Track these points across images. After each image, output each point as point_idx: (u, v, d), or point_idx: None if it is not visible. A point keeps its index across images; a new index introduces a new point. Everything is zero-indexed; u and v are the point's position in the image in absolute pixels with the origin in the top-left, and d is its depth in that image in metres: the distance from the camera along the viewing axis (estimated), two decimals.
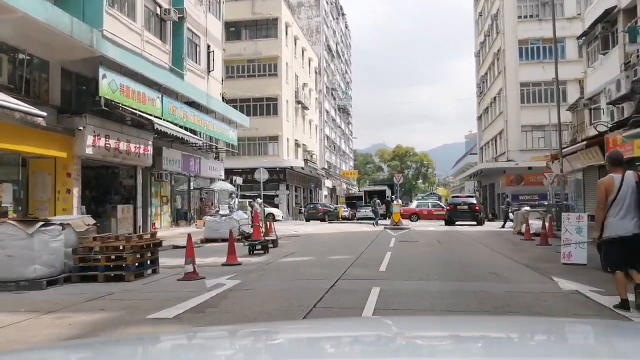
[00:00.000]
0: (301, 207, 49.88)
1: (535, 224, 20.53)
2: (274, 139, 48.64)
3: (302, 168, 48.01)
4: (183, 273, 10.16)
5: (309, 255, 14.35)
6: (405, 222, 33.35)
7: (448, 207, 33.36)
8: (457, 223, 33.03)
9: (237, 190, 32.36)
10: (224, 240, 15.83)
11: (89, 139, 18.61)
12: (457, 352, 1.91)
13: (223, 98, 33.01)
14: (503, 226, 29.47)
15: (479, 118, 59.63)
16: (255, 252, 14.96)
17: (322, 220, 43.31)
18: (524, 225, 22.28)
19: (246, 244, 15.18)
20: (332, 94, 75.16)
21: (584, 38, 27.69)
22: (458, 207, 32.73)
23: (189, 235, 10.37)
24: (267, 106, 48.95)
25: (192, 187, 29.45)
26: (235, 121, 31.72)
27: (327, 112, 71.93)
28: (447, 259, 12.77)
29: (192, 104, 26.41)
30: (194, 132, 26.27)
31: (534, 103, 45.85)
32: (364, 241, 18.81)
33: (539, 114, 45.16)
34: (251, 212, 31.27)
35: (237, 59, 49.62)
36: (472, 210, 32.36)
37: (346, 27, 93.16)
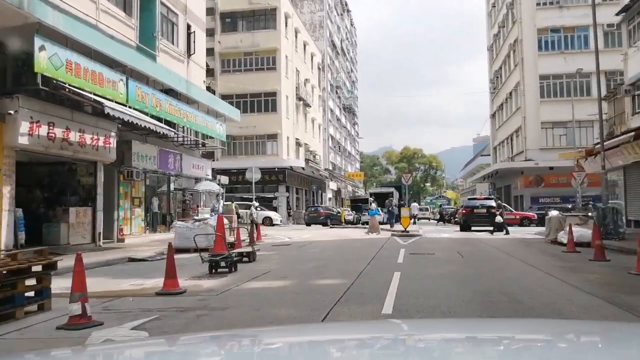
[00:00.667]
0: (293, 210, 45.93)
1: (580, 232, 16.53)
2: (273, 137, 44.81)
3: (303, 168, 44.15)
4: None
5: (288, 277, 10.45)
6: (415, 228, 29.37)
7: (463, 211, 29.36)
8: (473, 229, 29.07)
9: (223, 190, 28.44)
10: (197, 250, 12.17)
11: (24, 126, 14.83)
12: (470, 356, 1.85)
13: (209, 88, 29.20)
14: (507, 232, 25.50)
15: (492, 116, 55.53)
16: (218, 270, 11.11)
17: (324, 224, 39.50)
18: (560, 232, 18.28)
19: (205, 259, 11.28)
20: (336, 92, 71.29)
21: (623, 14, 23.70)
22: (475, 210, 28.72)
23: (79, 256, 6.46)
24: (265, 102, 45.16)
25: (172, 188, 25.64)
26: (224, 114, 27.90)
27: (332, 111, 68.06)
28: (482, 287, 8.77)
29: (169, 92, 22.64)
30: (171, 124, 22.48)
31: (555, 97, 41.79)
32: (365, 253, 14.88)
33: (560, 109, 41.14)
34: (249, 217, 27.59)
35: (234, 52, 45.92)
36: (491, 214, 28.36)
37: (351, 25, 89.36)
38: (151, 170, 22.83)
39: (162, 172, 23.96)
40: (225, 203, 24.85)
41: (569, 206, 38.79)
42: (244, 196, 40.76)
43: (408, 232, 23.51)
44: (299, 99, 49.81)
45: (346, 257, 14.48)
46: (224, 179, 24.80)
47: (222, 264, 11.14)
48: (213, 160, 45.20)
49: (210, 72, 45.30)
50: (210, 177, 28.93)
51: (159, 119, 20.93)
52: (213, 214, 24.19)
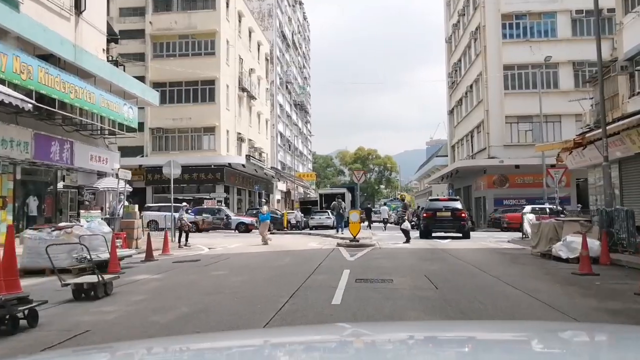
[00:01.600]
0: (234, 212, 40.45)
1: (592, 245, 11.84)
2: (210, 130, 39.24)
3: (244, 166, 38.73)
4: None
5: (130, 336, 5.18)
6: (367, 235, 24.40)
7: (424, 214, 24.55)
8: (434, 235, 24.36)
9: (130, 188, 22.91)
10: (54, 271, 7.05)
11: None
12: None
13: (113, 60, 23.60)
14: (407, 240, 20.60)
15: (450, 112, 51.37)
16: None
17: (281, 227, 34.38)
18: (557, 244, 13.59)
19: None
20: (287, 88, 66.09)
21: None
22: (438, 213, 23.93)
23: None
24: (202, 91, 39.57)
25: (61, 185, 19.93)
26: (136, 95, 22.31)
27: (281, 106, 62.79)
28: None
29: (50, 59, 17.01)
30: (52, 102, 16.86)
31: (520, 90, 37.71)
32: (289, 280, 9.73)
33: (526, 102, 37.08)
34: (178, 222, 22.17)
35: (167, 34, 40.17)
36: (456, 218, 23.68)
37: (304, 19, 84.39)
38: (23, 161, 17.12)
39: (45, 163, 18.25)
40: (125, 205, 19.29)
41: (537, 208, 34.69)
42: (179, 197, 35.24)
43: (358, 240, 18.46)
44: (243, 89, 44.39)
45: (259, 285, 9.27)
46: (124, 174, 19.22)
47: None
48: (142, 156, 39.42)
49: (140, 57, 39.52)
50: (117, 171, 23.21)
51: (31, 93, 15.35)
52: (111, 218, 18.67)
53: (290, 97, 69.17)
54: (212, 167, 37.87)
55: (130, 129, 22.72)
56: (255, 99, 48.00)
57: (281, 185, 60.09)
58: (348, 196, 49.67)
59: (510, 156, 36.57)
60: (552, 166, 27.90)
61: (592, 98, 24.50)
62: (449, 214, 23.89)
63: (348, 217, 39.43)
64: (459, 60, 46.87)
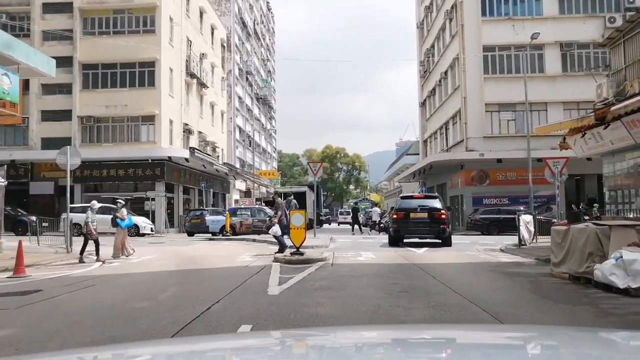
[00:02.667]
0: (179, 214, 34.64)
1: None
2: (150, 119, 33.42)
3: (187, 160, 32.97)
4: None
5: None
6: (322, 243, 19.03)
7: (394, 216, 19.21)
8: (407, 241, 19.19)
9: (3, 182, 17.16)
10: None
11: None
12: None
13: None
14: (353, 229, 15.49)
15: (422, 104, 46.41)
16: None
17: (214, 233, 28.89)
18: (606, 263, 8.39)
19: None
20: (247, 79, 60.40)
21: None
22: (411, 214, 18.65)
23: None
24: (140, 74, 33.73)
25: None
26: (14, 59, 16.49)
27: (241, 98, 57.11)
28: None
29: None
30: None
31: (502, 74, 32.87)
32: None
33: (508, 88, 32.31)
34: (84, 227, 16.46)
35: (99, 9, 34.21)
36: (435, 221, 18.47)
37: (268, 9, 78.77)
38: None
39: None
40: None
41: (522, 208, 29.86)
42: (115, 196, 29.58)
43: (302, 254, 12.98)
44: (191, 75, 38.64)
45: None
46: None
47: None
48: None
49: (67, 34, 33.51)
50: None
51: None
52: None
53: (252, 90, 63.51)
54: (150, 161, 32.07)
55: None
56: (207, 87, 42.26)
57: (240, 184, 54.42)
58: (311, 196, 44.39)
59: (491, 149, 31.68)
60: (541, 161, 22.97)
61: (607, 66, 19.56)
62: (425, 215, 18.64)
63: (311, 221, 34.28)
64: (432, 45, 41.94)
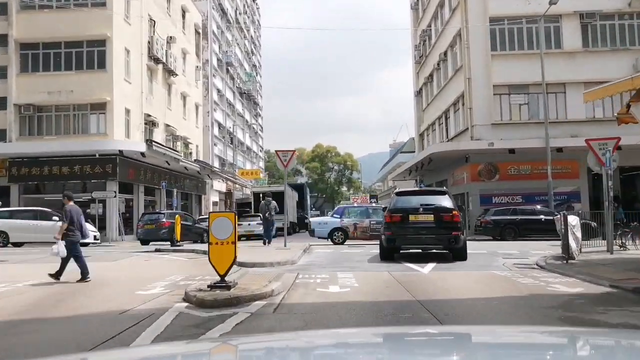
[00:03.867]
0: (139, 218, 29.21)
1: None
2: (100, 107, 28.00)
3: (143, 155, 27.51)
4: None
5: None
6: (291, 255, 13.70)
7: (387, 219, 13.81)
8: (404, 252, 13.97)
9: None
10: None
11: None
12: None
13: None
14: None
15: (418, 93, 41.15)
16: None
17: (172, 242, 23.73)
18: None
19: None
20: (227, 71, 54.99)
21: None
22: (411, 217, 13.29)
23: None
24: (89, 55, 28.33)
25: None
26: None
27: (220, 91, 51.72)
28: None
29: None
30: None
31: (512, 50, 27.71)
32: None
33: (519, 66, 27.27)
34: None
35: None
36: (443, 226, 13.17)
37: (253, 0, 73.34)
38: None
39: None
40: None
41: (538, 207, 24.72)
42: (55, 197, 24.26)
43: (229, 286, 7.50)
44: (155, 60, 33.26)
45: None
46: None
47: None
48: (5, 142, 27.99)
49: (1, 8, 28.16)
50: None
51: None
52: None
53: (234, 84, 58.10)
54: (97, 156, 26.68)
55: None
56: (176, 75, 36.85)
57: (219, 185, 49.01)
58: (294, 196, 39.05)
59: (501, 138, 26.46)
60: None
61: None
62: (430, 217, 13.29)
63: (293, 224, 28.95)
64: (429, 26, 36.72)
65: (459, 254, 13.34)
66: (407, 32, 43.99)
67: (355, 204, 22.53)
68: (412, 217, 13.12)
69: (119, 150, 26.51)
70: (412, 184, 43.00)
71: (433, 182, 34.96)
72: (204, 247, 20.33)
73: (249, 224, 28.44)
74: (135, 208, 30.37)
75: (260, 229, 27.54)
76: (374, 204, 21.59)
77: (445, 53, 32.30)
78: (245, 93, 63.20)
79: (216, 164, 48.29)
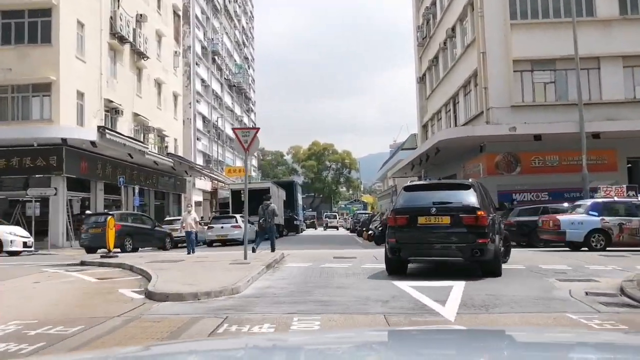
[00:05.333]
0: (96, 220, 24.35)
1: None
2: (44, 89, 23.20)
3: (93, 144, 22.61)
4: None
5: None
6: (243, 274, 8.65)
7: (391, 221, 9.06)
8: (414, 265, 9.27)
9: None
10: None
11: None
12: None
13: None
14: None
15: (421, 79, 36.27)
16: None
17: (122, 248, 19.24)
18: None
19: None
20: (214, 60, 50.20)
21: None
22: (421, 218, 8.59)
23: None
24: (31, 27, 23.54)
25: None
26: None
27: (204, 81, 46.94)
28: None
29: None
30: None
31: (535, 19, 22.90)
32: None
33: (544, 38, 22.49)
34: None
35: None
36: (464, 229, 8.50)
37: None
38: None
39: None
40: None
41: (565, 204, 19.68)
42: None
43: None
44: (120, 39, 28.47)
45: None
46: None
47: None
48: None
49: None
50: None
51: None
52: None
53: (222, 75, 53.27)
54: (36, 146, 21.85)
55: None
56: (147, 58, 32.01)
57: (203, 183, 44.22)
58: (281, 195, 34.20)
59: (524, 119, 21.63)
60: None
61: None
62: (445, 219, 8.86)
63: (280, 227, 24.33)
64: (433, 2, 31.92)
65: (489, 268, 9.33)
66: (409, 27, 39.19)
67: (617, 199, 16.52)
68: (421, 220, 9.00)
69: (62, 139, 21.64)
70: (414, 181, 38.07)
71: (439, 177, 30.01)
72: (156, 256, 15.59)
73: (222, 227, 23.65)
74: (93, 209, 25.52)
75: (235, 233, 23.00)
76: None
77: (453, 28, 27.49)
78: (235, 86, 58.40)
79: (199, 160, 43.54)
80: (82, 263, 14.19)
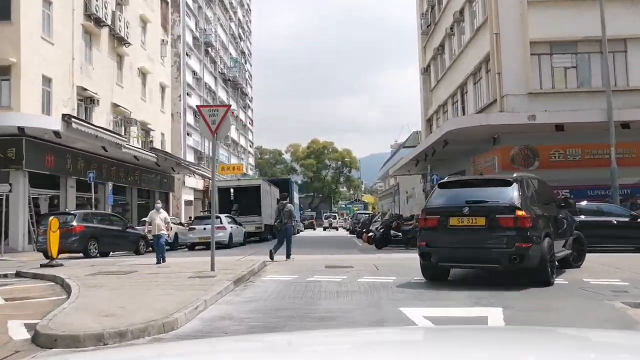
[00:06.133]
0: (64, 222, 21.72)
1: None
2: (3, 72, 20.58)
3: (57, 134, 19.92)
4: None
5: None
6: (194, 297, 5.97)
7: (421, 222, 6.93)
8: (453, 276, 6.75)
9: None
10: None
11: None
12: None
13: None
14: None
15: (426, 70, 33.63)
16: None
17: (85, 253, 16.75)
18: None
19: None
20: (207, 52, 47.59)
21: None
22: (452, 219, 6.26)
23: None
24: None
25: None
26: None
27: (195, 73, 44.35)
28: None
29: None
30: None
31: None
32: None
33: (564, 17, 19.86)
34: None
35: None
36: (501, 231, 6.16)
37: None
38: None
39: None
40: None
41: (609, 205, 17.10)
42: None
43: None
44: (96, 21, 25.88)
45: None
46: None
47: None
48: None
49: None
50: None
51: None
52: None
53: (216, 68, 50.66)
54: None
55: None
56: (129, 44, 29.41)
57: (193, 182, 41.62)
58: (273, 193, 31.55)
59: (542, 107, 19.00)
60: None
61: None
62: (480, 220, 6.63)
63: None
64: None
65: (534, 277, 7.71)
66: (413, 22, 36.58)
67: None
68: (453, 221, 7.54)
69: (19, 128, 18.99)
70: (417, 179, 35.50)
71: (446, 175, 27.34)
72: (115, 263, 13.00)
73: (205, 228, 21.03)
74: (63, 208, 22.89)
75: (220, 235, 20.45)
76: None
77: (461, 11, 24.87)
78: (230, 80, 55.80)
79: (190, 157, 40.98)
80: (18, 274, 11.56)
